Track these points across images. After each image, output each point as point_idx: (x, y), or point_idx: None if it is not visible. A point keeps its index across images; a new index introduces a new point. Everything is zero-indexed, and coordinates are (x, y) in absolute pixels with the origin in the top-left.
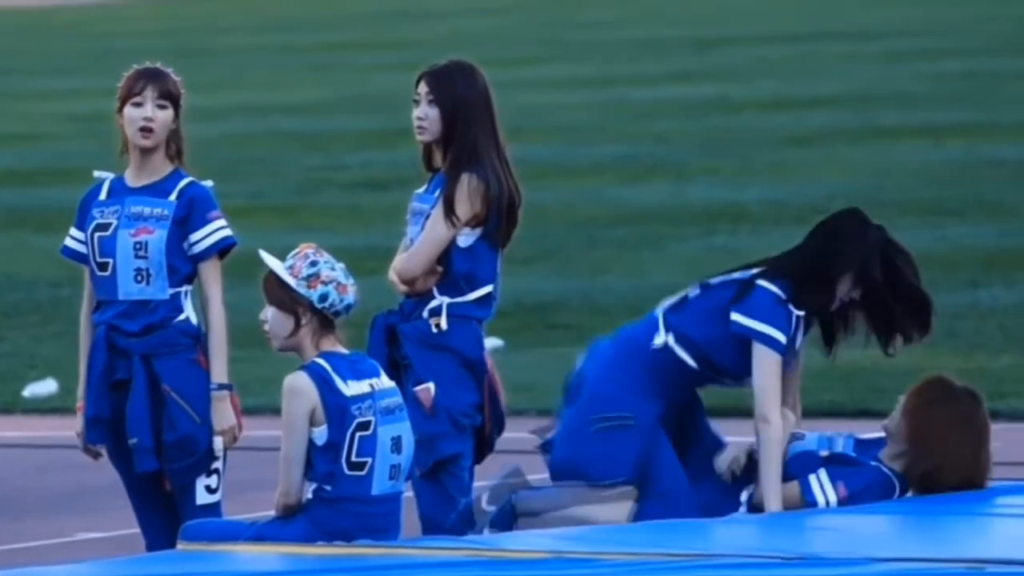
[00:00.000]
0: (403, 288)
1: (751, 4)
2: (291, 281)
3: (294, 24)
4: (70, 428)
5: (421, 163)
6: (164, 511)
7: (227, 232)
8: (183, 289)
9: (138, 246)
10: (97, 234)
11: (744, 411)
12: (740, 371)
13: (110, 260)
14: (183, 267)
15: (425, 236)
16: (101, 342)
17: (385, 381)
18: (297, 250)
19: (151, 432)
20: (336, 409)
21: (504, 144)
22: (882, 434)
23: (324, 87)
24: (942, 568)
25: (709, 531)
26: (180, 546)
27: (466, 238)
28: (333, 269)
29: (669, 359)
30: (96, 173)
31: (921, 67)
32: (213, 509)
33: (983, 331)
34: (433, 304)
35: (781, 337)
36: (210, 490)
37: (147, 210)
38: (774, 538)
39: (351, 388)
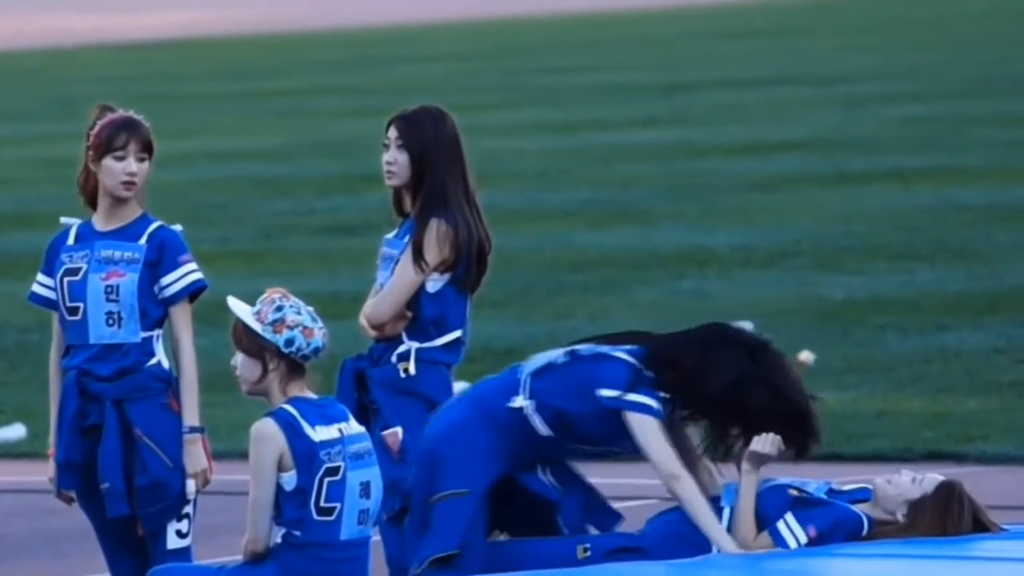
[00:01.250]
0: (372, 333)
1: (716, 49)
2: (257, 327)
3: (257, 70)
4: (38, 473)
5: (389, 208)
6: (135, 556)
7: (198, 275)
8: (154, 333)
9: (109, 290)
10: (67, 279)
11: None
12: (602, 439)
13: (80, 304)
14: (154, 311)
15: (394, 281)
16: (72, 387)
17: (354, 426)
18: (265, 295)
19: (123, 477)
20: (304, 454)
21: (474, 189)
22: (856, 486)
23: (288, 133)
24: None
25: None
26: None
27: (435, 283)
28: (299, 313)
29: (522, 422)
30: (63, 219)
31: (887, 111)
32: (183, 554)
33: (950, 375)
34: (402, 349)
35: (652, 403)
36: (181, 535)
37: (117, 254)
38: None
39: (319, 433)
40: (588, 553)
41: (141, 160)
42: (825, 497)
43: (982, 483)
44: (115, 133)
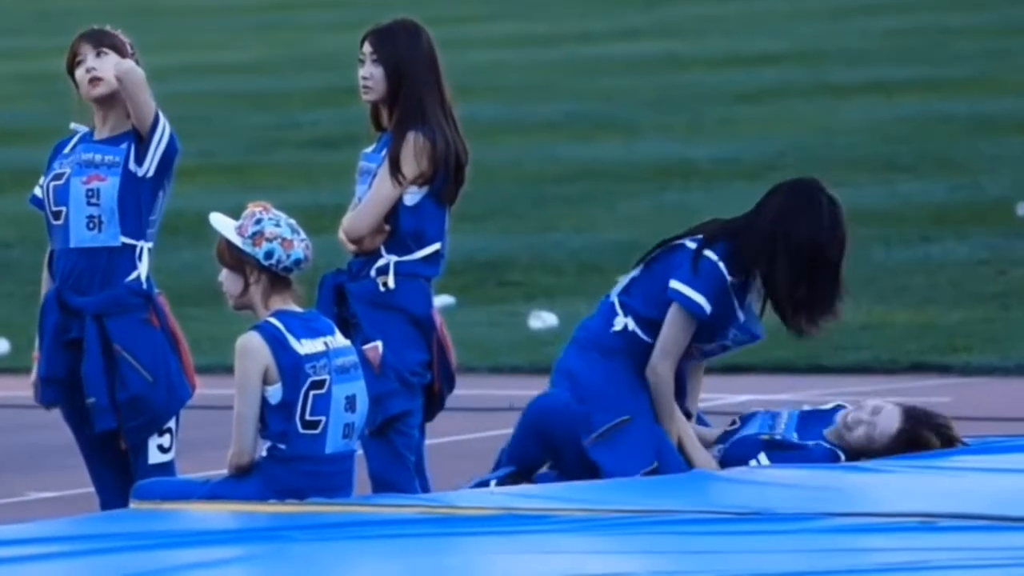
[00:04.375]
0: (351, 247)
1: None
2: (237, 240)
3: None
4: (21, 388)
5: (369, 122)
6: (119, 470)
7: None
8: (139, 244)
9: (90, 193)
10: (53, 183)
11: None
12: (699, 339)
13: (63, 208)
14: (135, 216)
15: (371, 195)
16: (52, 302)
17: (340, 340)
18: (247, 210)
19: (107, 391)
20: (290, 368)
21: (450, 102)
22: (830, 405)
23: (270, 47)
24: (894, 523)
25: (661, 488)
26: (133, 505)
27: (413, 196)
28: (278, 225)
29: (633, 339)
30: (72, 125)
31: (870, 23)
32: (166, 468)
33: (935, 286)
34: (380, 263)
35: (701, 300)
36: (163, 449)
37: (98, 157)
38: (727, 494)
39: (305, 347)
40: None
41: (100, 55)
42: (795, 430)
43: (966, 395)
44: (73, 47)
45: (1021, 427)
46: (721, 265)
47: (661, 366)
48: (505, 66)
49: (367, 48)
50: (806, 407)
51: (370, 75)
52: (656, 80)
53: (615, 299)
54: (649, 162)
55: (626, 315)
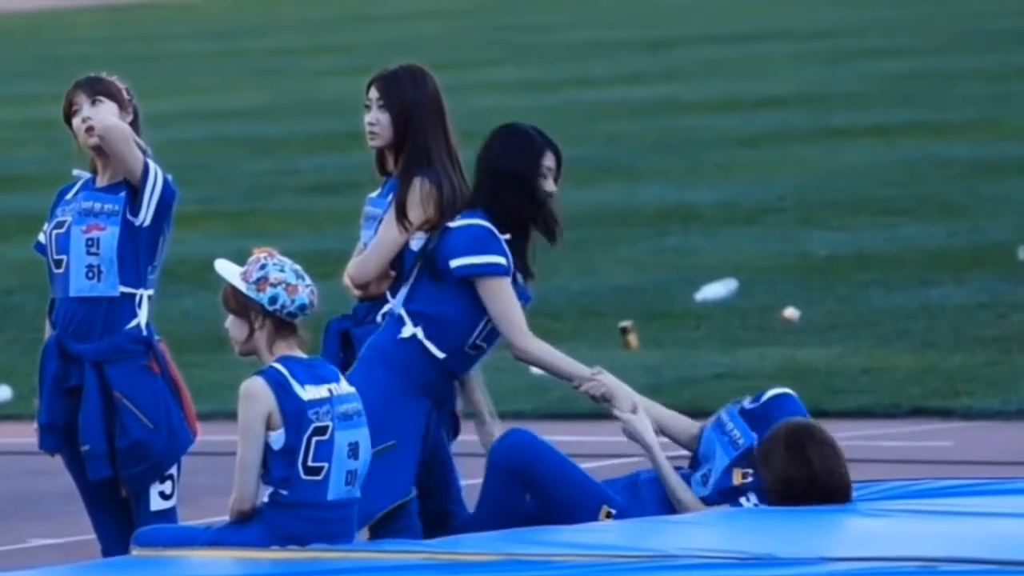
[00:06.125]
0: (357, 292)
1: (699, 5)
2: (241, 286)
3: (240, 30)
4: (23, 435)
5: (374, 167)
6: (119, 517)
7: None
8: (138, 292)
9: (90, 242)
10: (55, 231)
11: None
12: (485, 327)
13: (65, 257)
14: (134, 266)
15: (378, 241)
16: (52, 349)
17: (344, 386)
18: (252, 256)
19: (104, 439)
20: (293, 413)
21: (456, 147)
22: (775, 392)
23: (272, 92)
24: (895, 567)
25: (661, 532)
26: (134, 552)
27: (419, 242)
28: (282, 271)
29: (419, 350)
30: (75, 172)
31: (871, 67)
32: (168, 515)
33: (935, 330)
34: (386, 308)
35: (502, 260)
36: (164, 496)
37: (98, 206)
38: (728, 539)
39: (308, 392)
40: (610, 519)
41: (95, 103)
42: (742, 422)
43: (967, 439)
44: (68, 97)
45: (1023, 471)
46: (488, 224)
47: (520, 343)
48: (506, 110)
49: (373, 93)
50: (745, 403)
51: (376, 120)
52: (656, 124)
53: (401, 310)
54: (649, 206)
55: (416, 324)
